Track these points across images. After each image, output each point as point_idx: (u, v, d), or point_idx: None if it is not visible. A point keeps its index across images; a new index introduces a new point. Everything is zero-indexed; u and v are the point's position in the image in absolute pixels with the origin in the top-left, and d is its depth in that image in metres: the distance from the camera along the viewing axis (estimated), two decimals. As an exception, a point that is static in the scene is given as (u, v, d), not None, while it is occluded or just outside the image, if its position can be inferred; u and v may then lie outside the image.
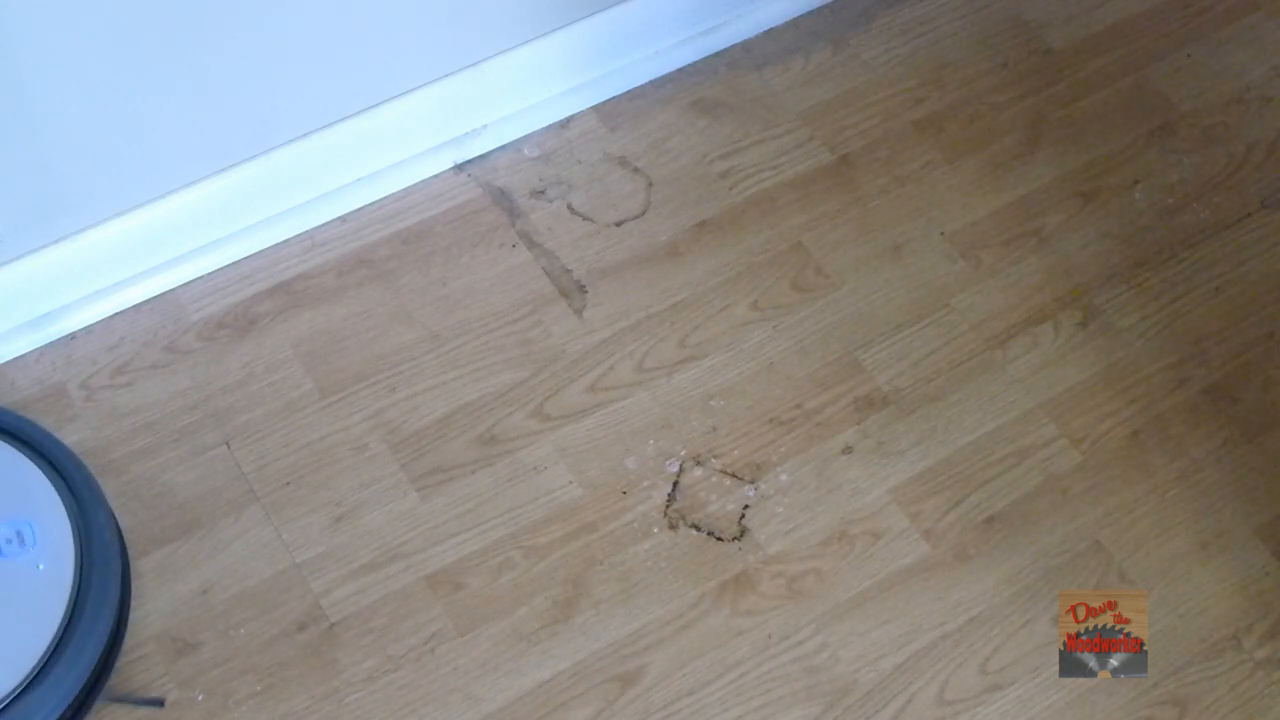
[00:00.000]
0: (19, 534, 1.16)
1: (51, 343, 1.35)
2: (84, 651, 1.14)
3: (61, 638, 1.13)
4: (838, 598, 1.26)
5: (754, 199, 1.47)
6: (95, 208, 1.31)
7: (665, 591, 1.25)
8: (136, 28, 1.17)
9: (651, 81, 1.53)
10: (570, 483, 1.30)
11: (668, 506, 1.29)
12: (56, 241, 1.31)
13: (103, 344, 1.35)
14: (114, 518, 1.21)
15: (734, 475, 1.31)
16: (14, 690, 1.11)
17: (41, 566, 1.15)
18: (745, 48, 1.56)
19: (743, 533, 1.28)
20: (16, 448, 1.20)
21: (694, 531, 1.28)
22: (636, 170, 1.48)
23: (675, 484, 1.30)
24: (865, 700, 1.21)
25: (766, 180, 1.48)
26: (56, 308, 1.34)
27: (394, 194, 1.44)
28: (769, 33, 1.57)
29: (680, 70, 1.54)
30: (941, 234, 1.46)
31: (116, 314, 1.36)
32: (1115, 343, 1.40)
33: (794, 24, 1.58)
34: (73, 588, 1.15)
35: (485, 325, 1.38)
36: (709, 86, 1.54)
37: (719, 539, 1.28)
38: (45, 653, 1.12)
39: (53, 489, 1.18)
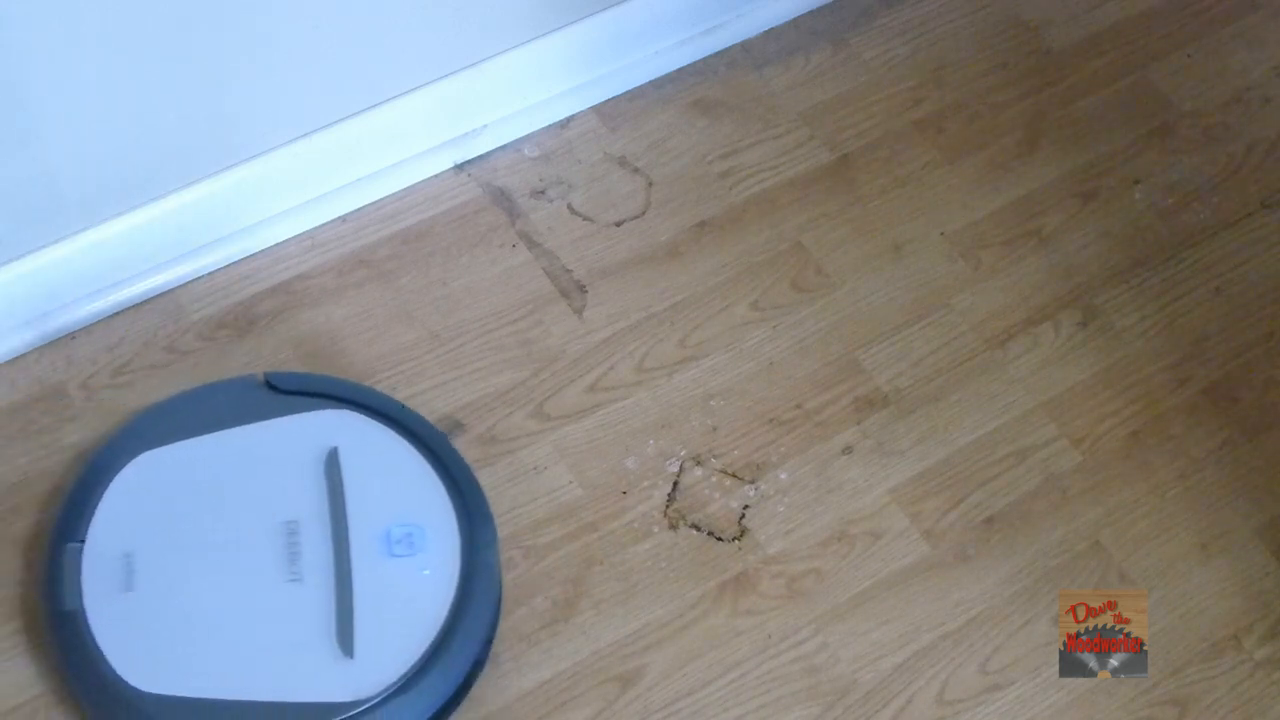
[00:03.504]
0: (409, 536, 1.17)
1: (51, 343, 1.34)
2: (454, 667, 1.14)
3: (436, 648, 1.14)
4: (838, 598, 1.26)
5: (754, 199, 1.47)
6: (95, 208, 1.31)
7: (665, 591, 1.25)
8: (136, 27, 1.17)
9: (651, 81, 1.53)
10: (570, 483, 1.30)
11: (668, 506, 1.29)
12: (56, 241, 1.31)
13: (103, 344, 1.35)
14: (497, 541, 1.21)
15: (734, 475, 1.31)
16: (381, 692, 1.11)
17: (427, 572, 1.16)
18: (745, 48, 1.56)
19: (743, 533, 1.28)
20: (420, 451, 1.22)
21: (694, 531, 1.28)
22: (636, 170, 1.48)
23: (675, 484, 1.30)
24: (865, 700, 1.21)
25: (766, 180, 1.48)
26: (56, 308, 1.34)
27: (394, 194, 1.44)
28: (769, 33, 1.57)
29: (680, 70, 1.54)
30: (941, 234, 1.46)
31: (116, 314, 1.36)
32: (1115, 343, 1.40)
33: (794, 24, 1.58)
34: (453, 600, 1.15)
35: (485, 325, 1.38)
36: (709, 86, 1.54)
37: (719, 539, 1.28)
38: (418, 661, 1.13)
39: (447, 498, 1.19)
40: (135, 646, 1.12)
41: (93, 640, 1.12)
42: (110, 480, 1.19)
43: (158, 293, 1.38)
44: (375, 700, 1.11)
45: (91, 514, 1.17)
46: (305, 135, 1.37)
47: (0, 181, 1.22)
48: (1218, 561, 1.29)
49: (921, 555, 1.28)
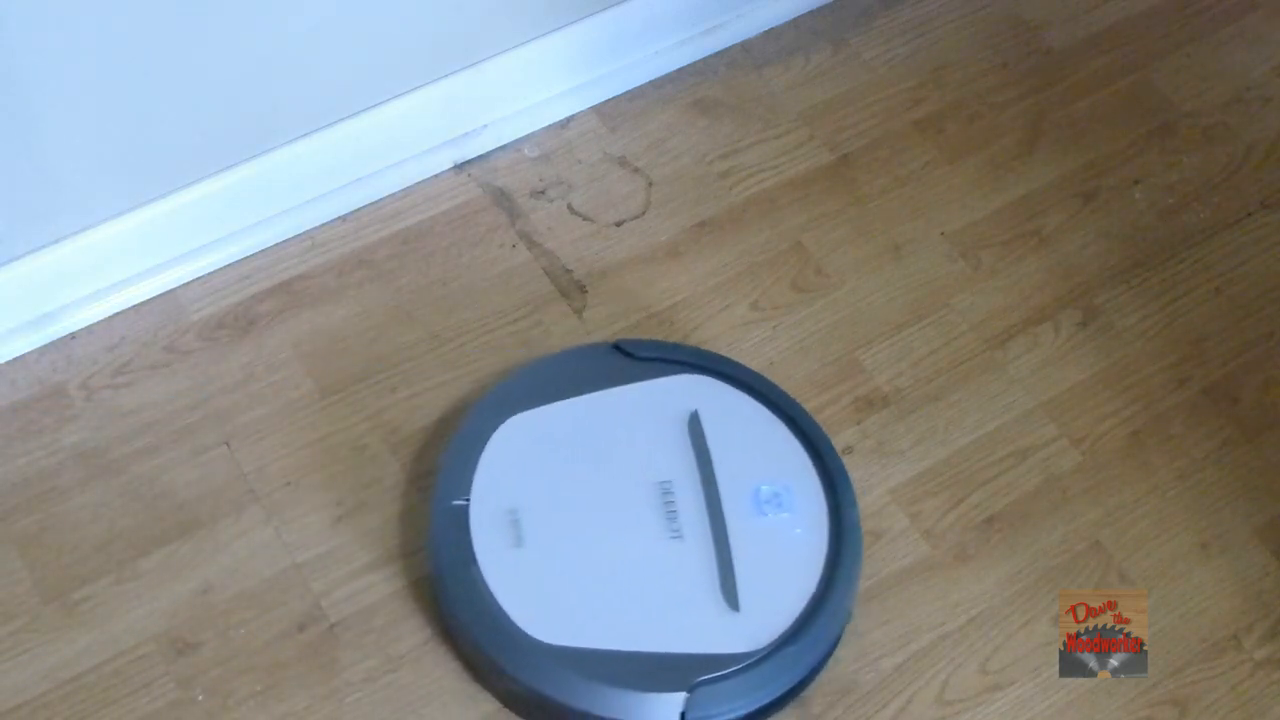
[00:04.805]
0: (777, 496, 1.22)
1: (51, 343, 1.35)
2: (833, 620, 1.19)
3: (817, 601, 1.18)
4: (838, 598, 1.26)
5: (754, 199, 1.47)
6: (95, 208, 1.31)
7: (665, 591, 1.25)
8: (136, 27, 1.17)
9: (651, 81, 1.53)
10: (570, 483, 1.30)
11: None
12: (56, 241, 1.31)
13: (103, 344, 1.35)
14: (857, 502, 1.25)
15: (734, 475, 1.31)
16: (771, 644, 1.15)
17: (798, 530, 1.21)
18: (745, 48, 1.56)
19: (743, 533, 1.28)
20: (774, 413, 1.27)
21: (694, 531, 1.28)
22: (636, 170, 1.48)
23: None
24: (865, 700, 1.21)
25: (766, 180, 1.48)
26: (56, 308, 1.34)
27: (394, 194, 1.45)
28: (769, 33, 1.57)
29: (680, 70, 1.54)
30: (941, 234, 1.46)
31: (116, 314, 1.36)
32: (1115, 343, 1.40)
33: (794, 24, 1.58)
34: (826, 555, 1.20)
35: (485, 325, 1.38)
36: (709, 86, 1.54)
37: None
38: (801, 614, 1.17)
39: (806, 459, 1.24)
40: (531, 600, 1.16)
41: (490, 594, 1.16)
42: (485, 442, 1.23)
43: (158, 293, 1.38)
44: (765, 651, 1.15)
45: (472, 474, 1.22)
46: (305, 135, 1.37)
47: (0, 181, 1.22)
48: (1218, 561, 1.29)
49: (921, 555, 1.28)
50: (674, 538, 1.19)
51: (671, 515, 1.20)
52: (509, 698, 1.17)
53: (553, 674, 1.13)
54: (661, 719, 1.13)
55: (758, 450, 1.25)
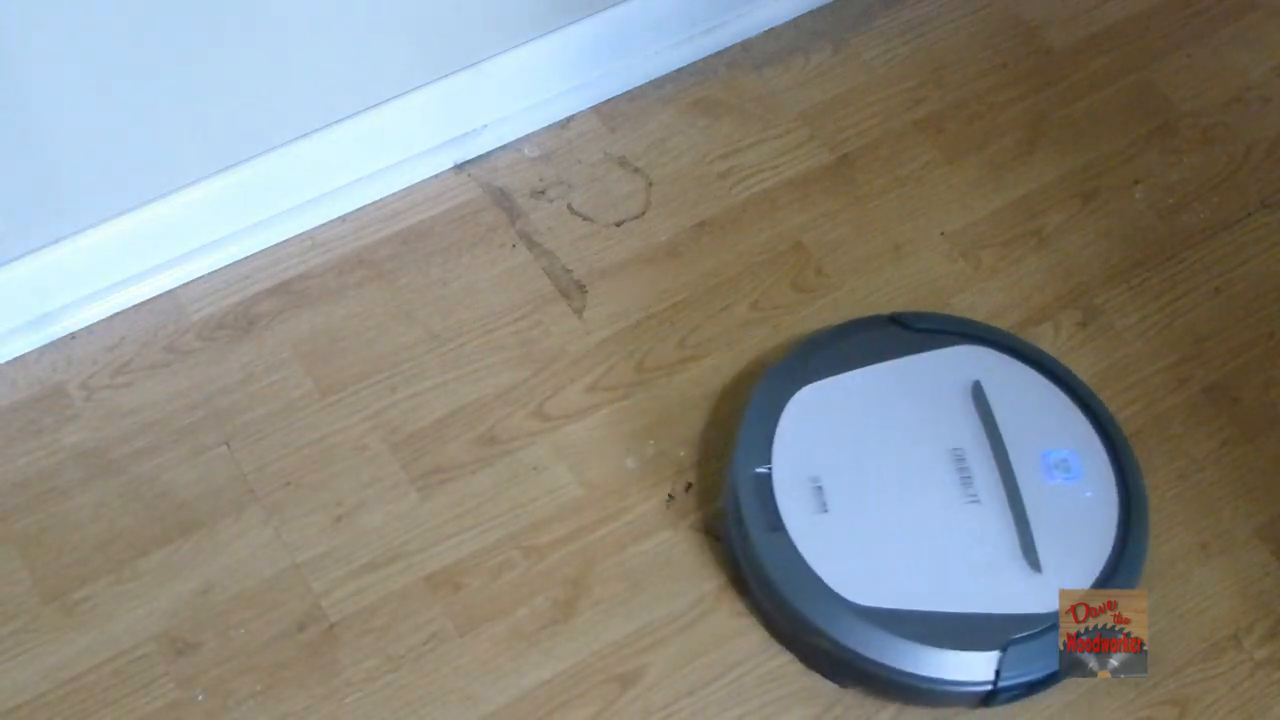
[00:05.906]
0: (1064, 461, 1.25)
1: (51, 343, 1.35)
2: (1128, 583, 1.21)
3: (1113, 564, 1.21)
4: (838, 598, 1.26)
5: (754, 199, 1.47)
6: (95, 208, 1.31)
7: (665, 591, 1.25)
8: (137, 27, 1.17)
9: (651, 81, 1.53)
10: (570, 483, 1.30)
11: (668, 506, 1.29)
12: (56, 241, 1.31)
13: (103, 344, 1.35)
14: (1140, 468, 1.27)
15: (734, 475, 1.31)
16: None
17: (1089, 494, 1.24)
18: (745, 48, 1.56)
19: (743, 533, 1.28)
20: (1052, 382, 1.30)
21: (694, 531, 1.28)
22: (636, 170, 1.48)
23: (675, 484, 1.30)
24: (864, 700, 1.21)
25: (766, 180, 1.48)
26: (56, 308, 1.34)
27: (394, 194, 1.45)
28: (769, 33, 1.57)
29: (680, 70, 1.54)
30: (941, 234, 1.46)
31: (116, 314, 1.36)
32: (1115, 343, 1.40)
33: (794, 24, 1.58)
34: (1118, 519, 1.23)
35: (485, 325, 1.38)
36: (709, 86, 1.54)
37: (719, 539, 1.28)
38: (1100, 576, 1.20)
39: (1088, 426, 1.28)
40: (840, 563, 1.19)
41: (800, 557, 1.19)
42: (780, 412, 1.27)
43: (158, 293, 1.38)
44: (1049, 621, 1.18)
45: (771, 443, 1.25)
46: (305, 135, 1.37)
47: (0, 181, 1.22)
48: (1218, 561, 1.29)
49: (921, 555, 1.28)
50: (971, 502, 1.22)
51: (966, 481, 1.23)
52: (817, 656, 1.20)
53: (869, 634, 1.16)
54: (977, 677, 1.16)
55: (1041, 418, 1.28)
